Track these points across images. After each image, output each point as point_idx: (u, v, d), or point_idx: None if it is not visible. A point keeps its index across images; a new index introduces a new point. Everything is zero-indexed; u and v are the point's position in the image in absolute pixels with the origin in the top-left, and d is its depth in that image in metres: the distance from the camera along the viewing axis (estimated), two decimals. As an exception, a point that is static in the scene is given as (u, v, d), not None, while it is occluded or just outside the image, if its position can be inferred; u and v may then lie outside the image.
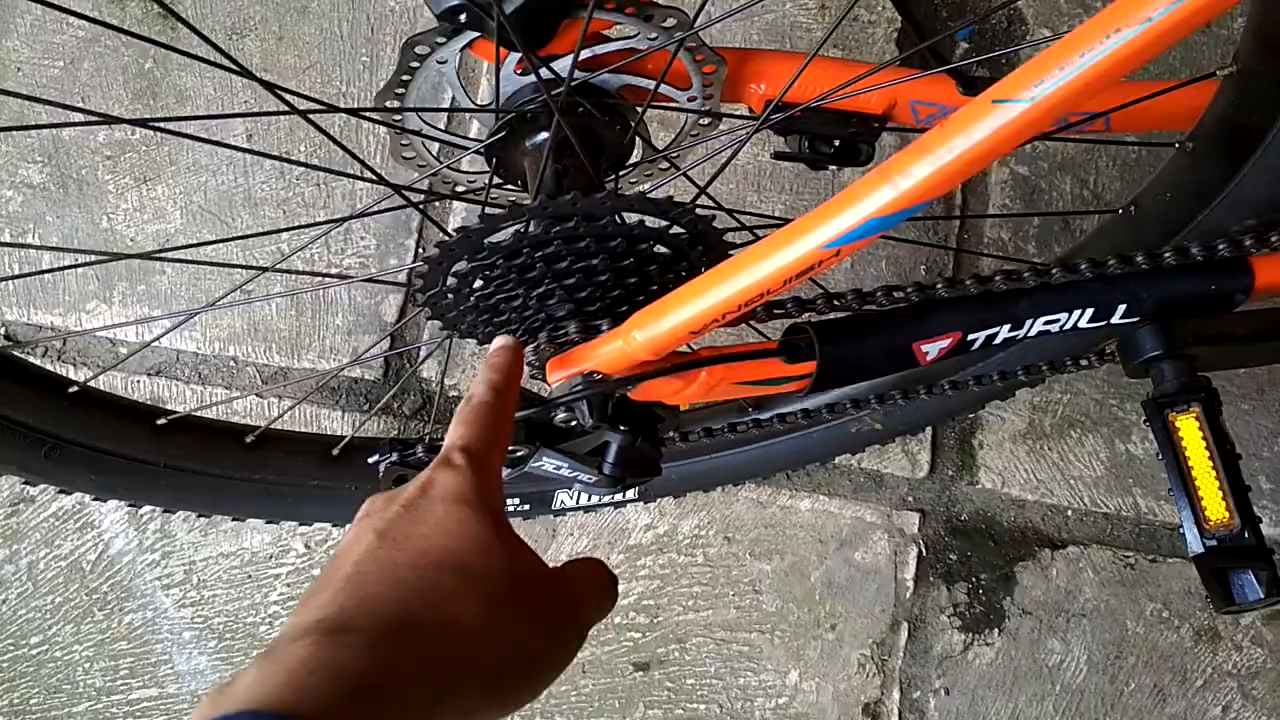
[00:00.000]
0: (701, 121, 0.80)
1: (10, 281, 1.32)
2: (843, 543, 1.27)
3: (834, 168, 0.87)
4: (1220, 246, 0.73)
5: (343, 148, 0.64)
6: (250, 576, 1.24)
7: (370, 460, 0.77)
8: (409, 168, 0.79)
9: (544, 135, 0.72)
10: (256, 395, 1.29)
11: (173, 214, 1.34)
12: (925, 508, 1.28)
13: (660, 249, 0.67)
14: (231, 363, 1.31)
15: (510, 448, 0.72)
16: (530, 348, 0.69)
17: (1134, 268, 0.73)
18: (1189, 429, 0.68)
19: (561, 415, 0.70)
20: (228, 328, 1.31)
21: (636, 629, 1.24)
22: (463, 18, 0.64)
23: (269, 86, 0.60)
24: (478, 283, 0.67)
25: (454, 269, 0.67)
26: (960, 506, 1.29)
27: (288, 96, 0.62)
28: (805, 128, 0.83)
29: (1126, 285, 0.76)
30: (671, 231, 0.67)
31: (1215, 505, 0.67)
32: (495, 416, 0.56)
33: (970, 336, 0.74)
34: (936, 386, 0.94)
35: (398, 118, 0.75)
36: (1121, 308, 0.76)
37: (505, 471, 0.75)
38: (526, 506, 1.16)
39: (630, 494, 1.19)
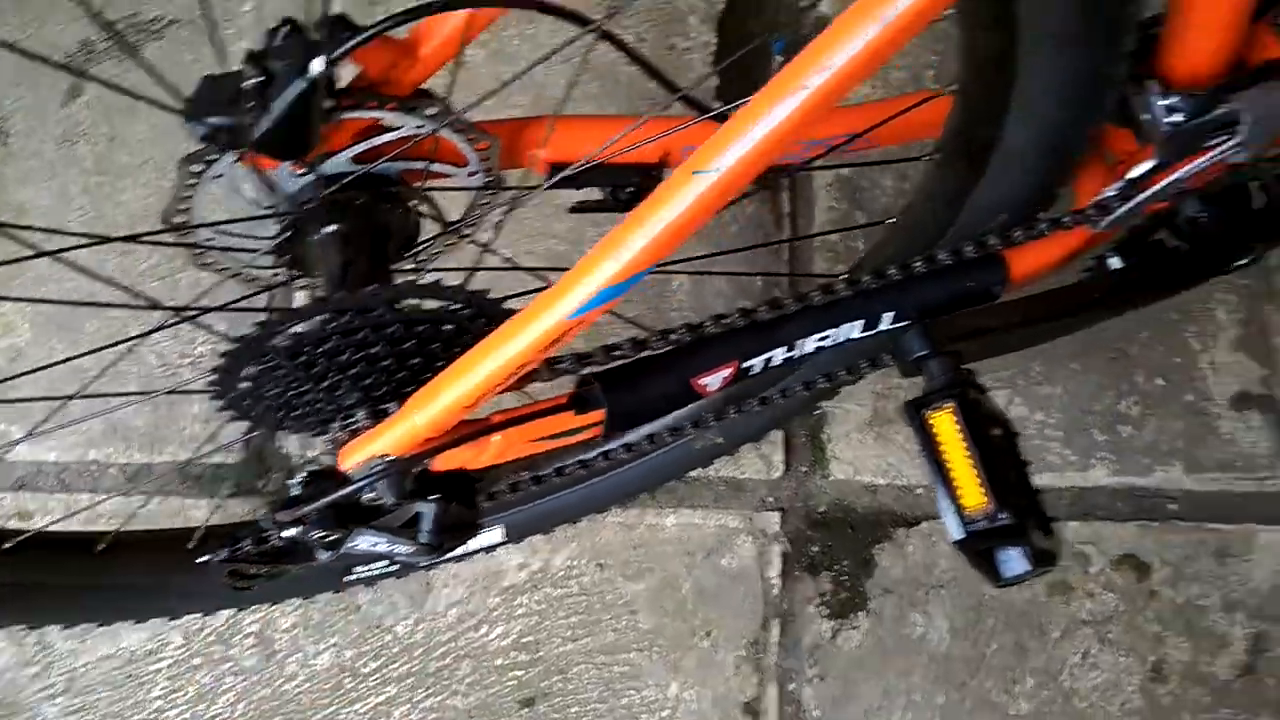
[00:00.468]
0: (490, 193, 0.84)
1: None
2: (709, 551, 1.32)
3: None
4: (968, 249, 0.80)
5: (100, 279, 0.67)
6: (131, 675, 1.25)
7: (199, 561, 0.80)
8: (217, 276, 0.82)
9: (328, 230, 0.76)
10: (122, 495, 1.30)
11: (22, 326, 1.34)
12: (784, 506, 1.34)
13: (443, 328, 0.71)
14: (94, 467, 1.32)
15: (323, 533, 0.75)
16: (327, 437, 0.72)
17: (890, 280, 0.79)
18: (944, 424, 0.74)
19: (368, 495, 0.74)
20: (85, 432, 1.32)
21: (519, 667, 1.28)
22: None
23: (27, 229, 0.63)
24: (268, 384, 0.70)
25: (244, 373, 0.70)
26: (817, 500, 1.35)
27: (56, 238, 0.64)
28: (592, 183, 0.88)
29: (888, 294, 0.82)
30: (452, 310, 0.71)
31: (972, 493, 0.73)
32: None
33: (747, 364, 0.80)
34: (766, 398, 0.99)
35: (184, 232, 0.77)
36: (888, 315, 0.82)
37: (324, 555, 0.79)
38: (395, 567, 1.19)
39: (498, 536, 1.22)
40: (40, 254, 0.64)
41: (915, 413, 0.76)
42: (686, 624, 1.31)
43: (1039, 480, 1.26)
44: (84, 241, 0.67)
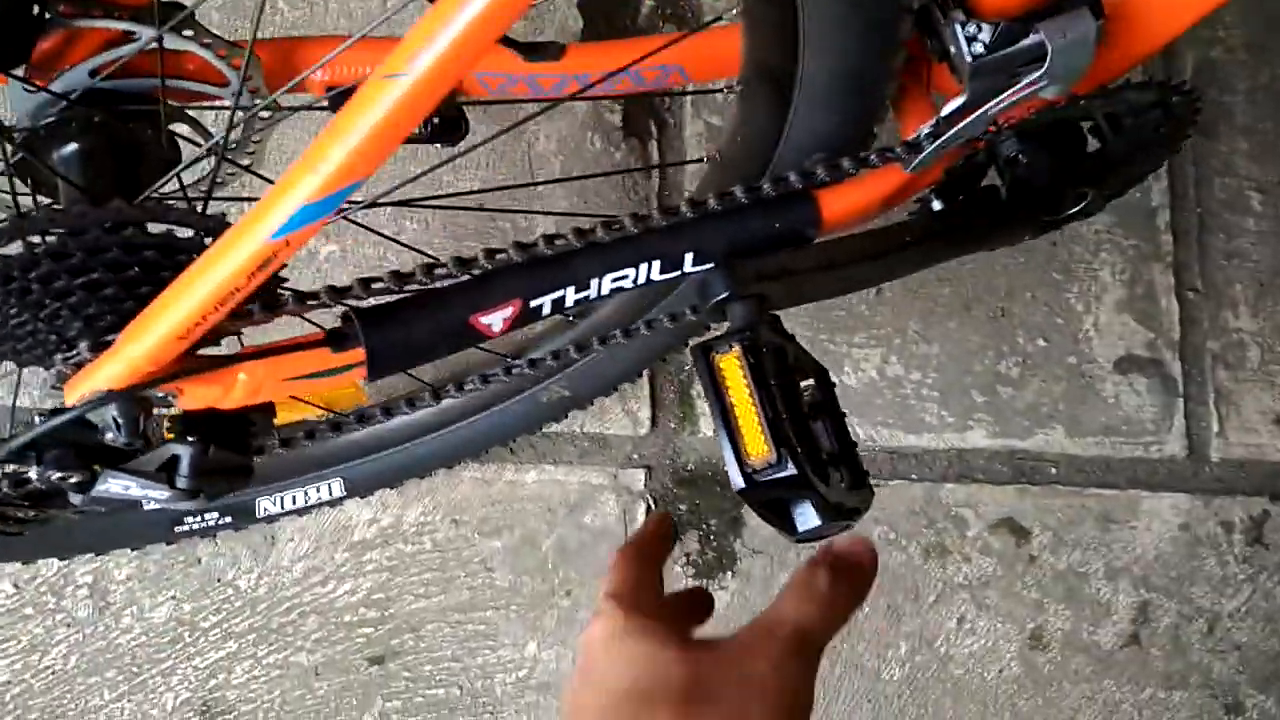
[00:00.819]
0: (263, 115, 0.79)
1: None
2: (571, 508, 1.27)
3: (438, 145, 0.87)
4: (765, 185, 0.75)
5: None
6: (-42, 622, 1.21)
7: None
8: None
9: (70, 149, 0.70)
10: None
11: None
12: (651, 464, 1.30)
13: (173, 255, 0.66)
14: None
15: (64, 474, 0.70)
16: (52, 371, 0.67)
17: (682, 217, 0.74)
18: (730, 368, 0.70)
19: (109, 436, 0.69)
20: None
21: (368, 624, 1.24)
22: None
23: None
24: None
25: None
26: (685, 458, 1.31)
27: None
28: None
29: (687, 233, 0.77)
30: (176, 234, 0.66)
31: (755, 441, 0.68)
32: (635, 561, 0.67)
33: (533, 303, 0.75)
34: (582, 344, 0.94)
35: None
36: (689, 256, 0.78)
37: (77, 498, 0.74)
38: (228, 519, 1.14)
39: (338, 489, 1.18)
40: None
41: (701, 355, 0.71)
42: (546, 583, 1.27)
43: (915, 441, 1.23)
44: None
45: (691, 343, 0.75)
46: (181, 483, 0.73)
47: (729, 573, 1.28)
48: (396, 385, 1.22)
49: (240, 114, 0.74)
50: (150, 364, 0.63)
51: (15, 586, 1.21)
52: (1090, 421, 1.33)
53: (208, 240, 0.62)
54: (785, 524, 0.71)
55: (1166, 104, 0.80)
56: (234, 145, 0.77)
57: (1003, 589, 1.32)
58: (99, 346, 0.65)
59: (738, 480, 0.69)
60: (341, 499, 1.18)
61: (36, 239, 0.62)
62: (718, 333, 0.74)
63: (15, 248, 0.63)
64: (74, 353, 0.66)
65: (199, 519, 1.13)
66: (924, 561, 1.31)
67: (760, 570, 1.28)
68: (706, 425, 1.31)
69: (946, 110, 0.74)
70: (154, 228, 0.64)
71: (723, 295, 0.77)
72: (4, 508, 0.81)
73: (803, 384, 0.76)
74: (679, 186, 1.32)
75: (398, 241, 1.09)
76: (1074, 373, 1.33)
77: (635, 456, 1.30)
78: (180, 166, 0.73)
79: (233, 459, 0.75)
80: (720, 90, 0.78)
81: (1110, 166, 0.82)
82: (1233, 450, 1.34)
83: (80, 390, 0.65)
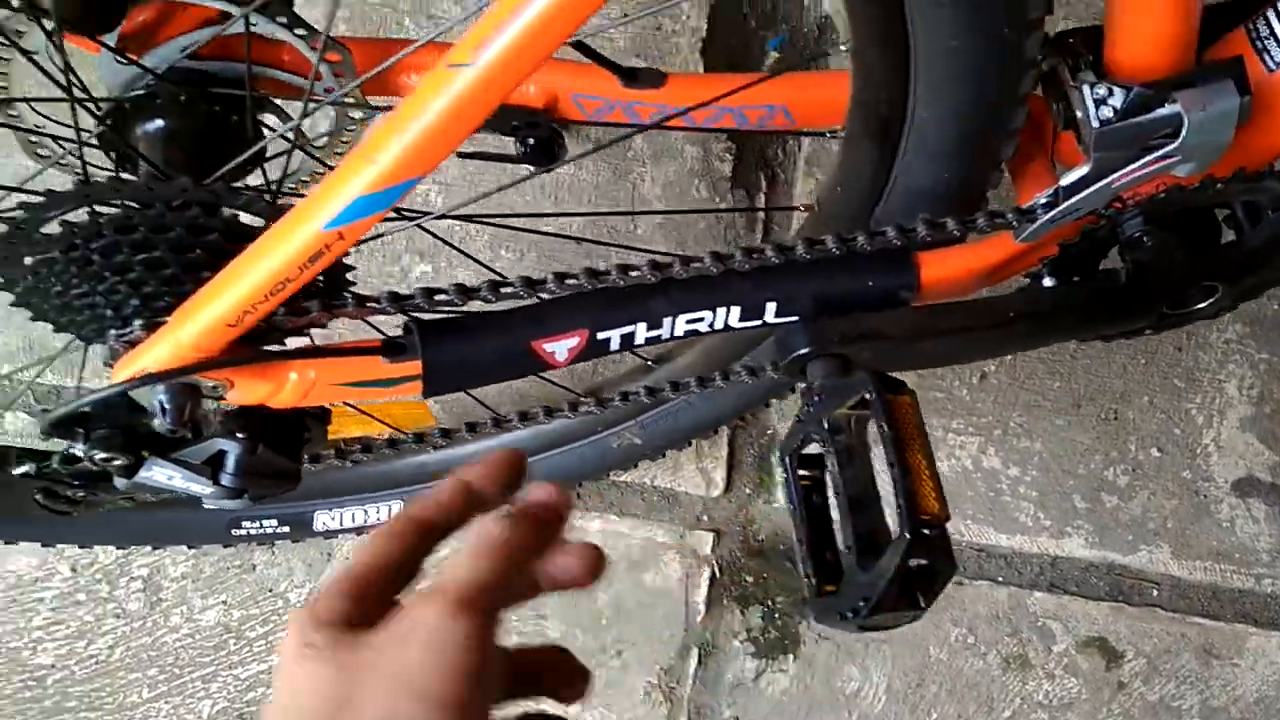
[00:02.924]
0: (352, 115, 0.77)
1: None
2: (633, 564, 1.22)
3: (530, 168, 0.85)
4: (860, 239, 0.70)
5: None
6: (15, 600, 1.21)
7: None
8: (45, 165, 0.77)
9: (153, 125, 0.70)
10: None
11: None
12: (720, 527, 1.24)
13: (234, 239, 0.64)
14: None
15: (109, 455, 0.69)
16: (106, 347, 0.66)
17: (767, 263, 0.70)
18: (904, 410, 0.64)
19: (158, 421, 0.67)
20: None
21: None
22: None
23: None
24: (47, 276, 0.64)
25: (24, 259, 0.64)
26: (758, 526, 1.25)
27: None
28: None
29: (771, 281, 0.72)
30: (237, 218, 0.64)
31: (928, 494, 0.63)
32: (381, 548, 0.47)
33: (600, 335, 0.71)
34: (655, 389, 0.90)
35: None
36: (771, 305, 0.73)
37: (122, 482, 0.73)
38: (286, 529, 1.13)
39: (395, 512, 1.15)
40: None
41: (877, 384, 0.65)
42: (598, 640, 1.21)
43: (1006, 541, 1.15)
44: None
45: (862, 369, 0.69)
46: (226, 479, 0.71)
47: (791, 656, 1.21)
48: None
49: (315, 104, 0.72)
50: (197, 349, 0.61)
51: (72, 570, 1.21)
52: (1200, 544, 1.23)
53: (270, 229, 0.61)
54: (907, 599, 0.65)
55: (1316, 201, 0.73)
56: (320, 141, 0.76)
57: (1085, 713, 1.22)
58: (153, 326, 0.63)
59: (910, 527, 0.62)
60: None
61: (103, 209, 0.61)
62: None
63: (82, 216, 0.62)
64: (128, 330, 0.64)
65: (257, 524, 1.11)
66: (1002, 673, 1.22)
67: (825, 657, 1.21)
68: (784, 495, 1.25)
69: (1067, 179, 0.69)
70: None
71: (803, 351, 0.72)
72: (53, 485, 0.80)
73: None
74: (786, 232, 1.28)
75: (488, 267, 1.07)
76: (1188, 489, 1.23)
77: (705, 518, 1.24)
78: (247, 153, 0.71)
79: (281, 462, 0.73)
80: (824, 134, 0.74)
81: (1245, 262, 0.74)
82: (1357, 595, 1.22)
83: (128, 370, 0.64)
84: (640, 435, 1.07)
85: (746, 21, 1.29)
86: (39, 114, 0.73)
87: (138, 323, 0.64)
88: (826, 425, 0.69)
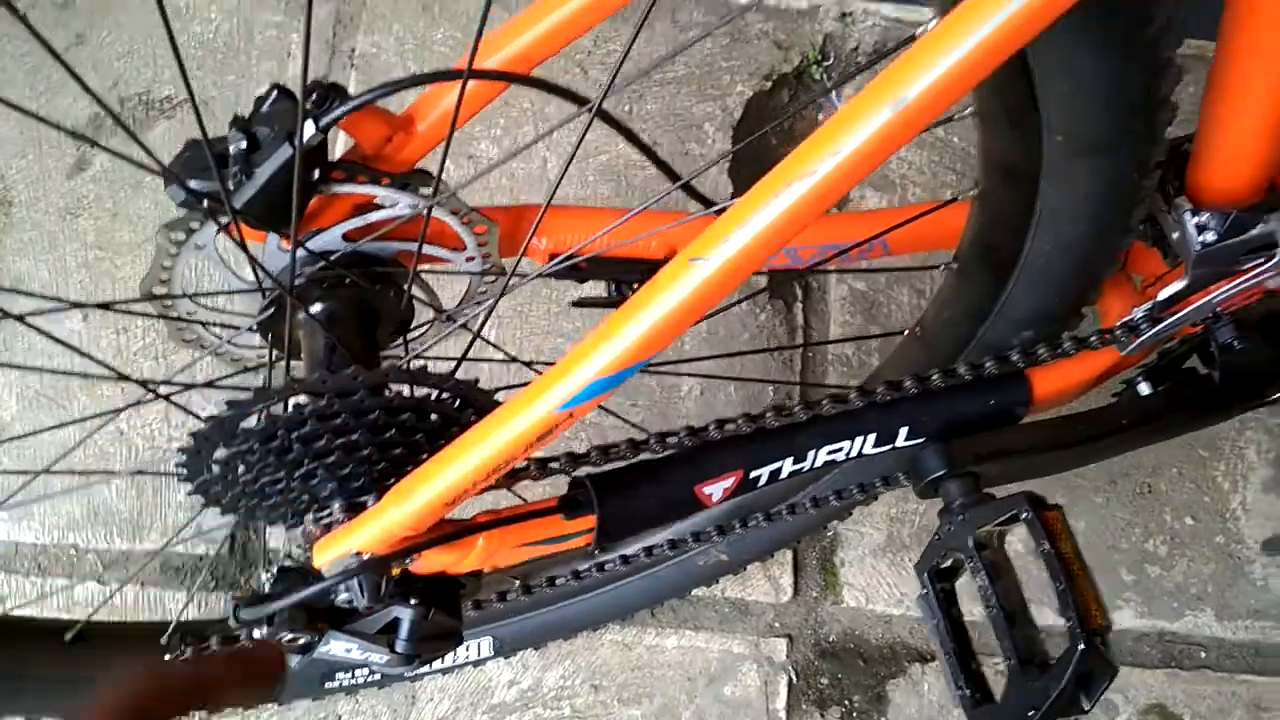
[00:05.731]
0: (487, 279, 0.81)
1: None
2: (712, 678, 1.25)
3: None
4: (988, 364, 0.76)
5: (74, 349, 0.63)
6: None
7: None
8: (193, 350, 0.79)
9: (313, 309, 0.72)
10: (97, 583, 1.25)
11: (8, 401, 1.31)
12: (792, 633, 1.27)
13: (428, 418, 0.67)
14: (72, 550, 1.27)
15: (292, 634, 0.70)
16: (300, 529, 0.68)
17: (905, 393, 0.75)
18: (1057, 523, 0.70)
19: (343, 596, 0.69)
20: (66, 514, 1.28)
21: (504, 791, 1.20)
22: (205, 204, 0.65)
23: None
24: (240, 467, 0.66)
25: (215, 456, 0.66)
26: (828, 628, 1.28)
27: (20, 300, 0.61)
28: (594, 276, 0.85)
29: (904, 409, 0.77)
30: (437, 398, 0.67)
31: (1091, 605, 0.68)
32: None
33: (753, 474, 0.75)
34: (773, 513, 0.93)
35: (166, 304, 0.74)
36: (903, 431, 0.78)
37: (294, 660, 0.74)
38: (376, 676, 1.12)
39: (487, 649, 1.16)
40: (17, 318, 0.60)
41: (1031, 504, 0.70)
42: (684, 757, 1.23)
43: (1060, 621, 1.19)
44: (48, 306, 0.63)
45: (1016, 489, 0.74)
46: (401, 646, 0.72)
47: (871, 752, 1.24)
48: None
49: (477, 279, 0.76)
50: (410, 529, 0.63)
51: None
52: (1239, 604, 1.30)
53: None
54: (1074, 704, 0.69)
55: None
56: (470, 312, 0.79)
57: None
58: (354, 509, 0.65)
59: (1084, 640, 0.66)
60: (488, 659, 1.16)
61: (305, 399, 0.64)
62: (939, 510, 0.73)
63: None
64: (325, 513, 0.66)
65: (350, 674, 1.11)
66: (1077, 751, 1.26)
67: (904, 749, 1.24)
68: (849, 595, 1.28)
69: (1166, 294, 0.75)
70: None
71: (940, 474, 0.77)
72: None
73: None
74: (824, 353, 1.34)
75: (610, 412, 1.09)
76: (1222, 553, 1.30)
77: (776, 625, 1.27)
78: (416, 329, 0.75)
79: (447, 622, 0.75)
80: (935, 267, 0.79)
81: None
82: (1394, 640, 1.29)
83: (331, 552, 0.66)
84: (727, 551, 1.10)
85: (766, 137, 1.37)
86: (200, 305, 0.75)
87: (336, 505, 0.66)
88: (972, 543, 0.74)
